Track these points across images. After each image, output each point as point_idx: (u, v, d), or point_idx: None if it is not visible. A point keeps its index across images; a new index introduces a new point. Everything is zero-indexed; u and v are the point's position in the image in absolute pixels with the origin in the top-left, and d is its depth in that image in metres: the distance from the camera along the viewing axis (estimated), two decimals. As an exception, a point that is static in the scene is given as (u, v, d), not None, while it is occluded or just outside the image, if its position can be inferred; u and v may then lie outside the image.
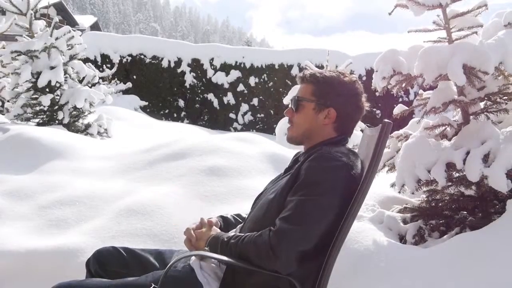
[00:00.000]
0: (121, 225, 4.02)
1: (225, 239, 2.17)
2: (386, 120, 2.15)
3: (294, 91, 7.64)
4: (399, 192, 3.92)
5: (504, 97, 3.74)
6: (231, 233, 2.25)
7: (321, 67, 13.17)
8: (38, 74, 8.22)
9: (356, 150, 2.54)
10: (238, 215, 2.67)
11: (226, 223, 2.57)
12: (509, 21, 3.73)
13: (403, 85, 3.93)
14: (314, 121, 2.34)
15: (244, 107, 18.41)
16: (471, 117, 3.79)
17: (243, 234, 2.15)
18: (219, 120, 18.61)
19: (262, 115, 18.29)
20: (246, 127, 18.24)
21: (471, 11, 3.79)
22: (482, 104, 3.85)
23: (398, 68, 3.87)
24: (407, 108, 4.24)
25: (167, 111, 18.79)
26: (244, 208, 3.75)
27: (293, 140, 2.43)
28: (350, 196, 2.09)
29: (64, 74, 8.47)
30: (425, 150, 3.60)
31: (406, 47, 4.05)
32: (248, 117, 18.42)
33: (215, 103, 18.56)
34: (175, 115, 18.79)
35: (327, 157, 2.14)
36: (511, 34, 3.53)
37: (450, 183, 3.66)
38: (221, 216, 2.61)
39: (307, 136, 2.38)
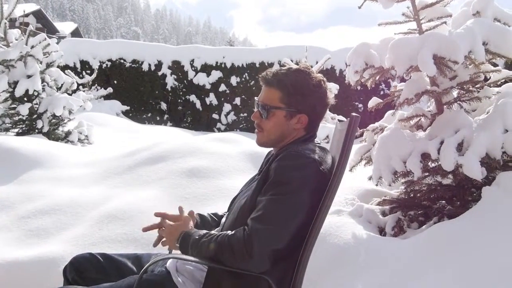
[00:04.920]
0: (102, 231, 4.01)
1: (196, 237, 2.15)
2: (353, 114, 2.17)
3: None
4: (376, 185, 3.93)
5: (476, 86, 3.76)
6: (203, 231, 2.23)
7: (301, 63, 13.17)
8: (15, 83, 8.15)
9: (329, 144, 2.56)
10: (215, 214, 2.68)
11: (203, 221, 2.58)
12: (477, 10, 3.75)
13: (377, 78, 3.95)
14: (286, 127, 2.33)
15: (227, 107, 18.37)
16: (444, 106, 3.81)
17: (216, 233, 2.15)
18: (202, 121, 18.57)
19: (245, 114, 18.26)
20: (230, 127, 18.20)
21: (440, 1, 3.81)
22: (455, 94, 3.87)
23: (370, 61, 3.88)
24: (381, 100, 4.26)
25: (149, 114, 18.71)
26: (224, 208, 3.76)
27: (264, 145, 2.41)
28: (321, 192, 2.10)
29: (42, 82, 8.42)
30: (400, 141, 3.62)
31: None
32: (231, 117, 18.38)
33: (198, 104, 18.51)
34: (157, 118, 18.72)
35: (294, 155, 2.15)
36: (479, 23, 3.55)
37: (426, 173, 3.68)
38: (199, 214, 2.61)
39: (279, 141, 2.36)
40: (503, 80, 3.91)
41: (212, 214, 2.67)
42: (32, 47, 8.33)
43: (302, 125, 2.32)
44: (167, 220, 2.39)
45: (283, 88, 2.30)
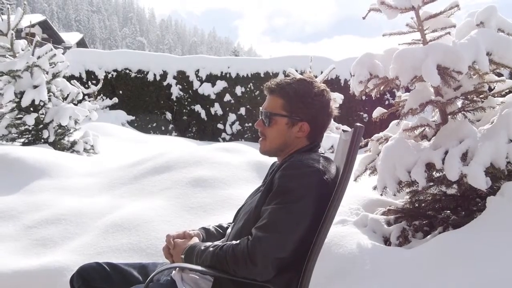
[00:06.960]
0: (108, 241, 4.02)
1: (202, 248, 2.17)
2: (357, 123, 2.18)
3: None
4: (381, 195, 3.93)
5: (480, 96, 3.77)
6: (208, 243, 2.25)
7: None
8: (22, 93, 8.22)
9: (334, 154, 2.56)
10: (220, 226, 2.68)
11: (208, 234, 2.58)
12: (481, 20, 3.76)
13: (381, 88, 3.96)
14: (288, 135, 2.35)
15: (232, 117, 18.38)
16: (449, 116, 3.81)
17: (220, 243, 2.16)
18: (207, 131, 18.59)
19: (250, 124, 18.26)
20: (235, 137, 18.22)
21: (443, 12, 3.83)
22: (459, 104, 3.88)
23: (374, 71, 3.89)
24: (386, 110, 4.27)
25: (154, 124, 18.74)
26: (229, 217, 3.78)
27: (267, 153, 2.44)
28: (324, 202, 2.10)
29: (48, 93, 8.47)
30: (404, 151, 3.62)
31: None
32: (236, 126, 18.38)
33: (203, 114, 18.54)
34: (163, 128, 18.75)
35: (298, 165, 2.16)
36: (483, 33, 3.56)
37: (431, 183, 3.68)
38: (203, 228, 2.62)
39: (282, 149, 2.38)
40: (508, 90, 3.92)
41: (217, 226, 2.68)
42: (39, 57, 8.39)
43: (304, 133, 2.34)
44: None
45: (286, 96, 2.34)
